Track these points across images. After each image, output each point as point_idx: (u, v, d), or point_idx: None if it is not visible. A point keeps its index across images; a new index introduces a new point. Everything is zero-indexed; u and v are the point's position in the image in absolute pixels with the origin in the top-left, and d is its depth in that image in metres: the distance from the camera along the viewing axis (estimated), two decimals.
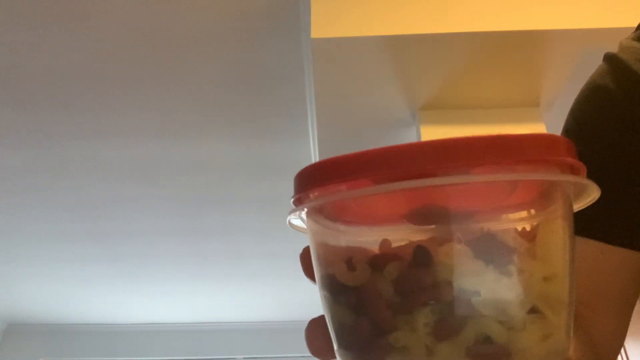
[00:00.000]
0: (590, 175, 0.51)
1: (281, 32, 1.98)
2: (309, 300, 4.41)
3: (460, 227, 0.22)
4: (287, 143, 2.54)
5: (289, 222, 0.28)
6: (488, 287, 0.21)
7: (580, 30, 1.56)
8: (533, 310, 0.21)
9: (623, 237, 0.49)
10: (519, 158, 0.22)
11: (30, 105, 2.29)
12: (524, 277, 0.22)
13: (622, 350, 3.21)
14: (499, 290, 0.21)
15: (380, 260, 0.23)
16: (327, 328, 0.25)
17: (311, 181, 0.25)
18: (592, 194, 0.25)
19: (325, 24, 1.60)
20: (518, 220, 0.23)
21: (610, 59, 0.54)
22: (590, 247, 0.49)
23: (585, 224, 0.50)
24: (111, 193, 2.92)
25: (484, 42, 1.61)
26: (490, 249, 0.22)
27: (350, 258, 0.24)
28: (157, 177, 2.80)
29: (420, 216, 0.24)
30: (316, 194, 0.25)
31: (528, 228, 0.23)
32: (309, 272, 0.27)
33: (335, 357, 0.25)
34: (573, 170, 0.24)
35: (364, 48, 1.62)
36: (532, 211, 0.24)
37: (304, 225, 0.28)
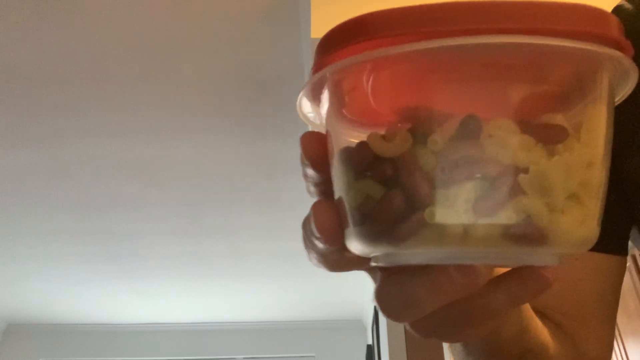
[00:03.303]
0: None
1: (281, 32, 1.98)
2: (308, 300, 4.41)
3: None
4: (287, 143, 2.54)
5: (300, 106, 0.25)
6: (538, 165, 0.20)
7: None
8: (573, 195, 0.21)
9: (597, 242, 0.47)
10: (572, 27, 0.20)
11: (30, 105, 2.29)
12: (571, 159, 0.21)
13: (622, 350, 3.21)
14: (548, 170, 0.20)
15: (423, 129, 0.21)
16: (335, 207, 0.23)
17: (340, 41, 0.22)
18: (630, 83, 0.23)
19: (325, 24, 1.60)
20: (565, 101, 0.22)
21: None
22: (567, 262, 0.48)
23: None
24: (111, 193, 2.93)
25: None
26: (539, 126, 0.21)
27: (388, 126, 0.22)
28: (157, 177, 2.80)
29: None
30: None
31: (575, 112, 0.22)
32: (313, 153, 0.24)
33: (339, 239, 0.23)
34: (622, 50, 0.21)
35: None
36: (579, 92, 0.22)
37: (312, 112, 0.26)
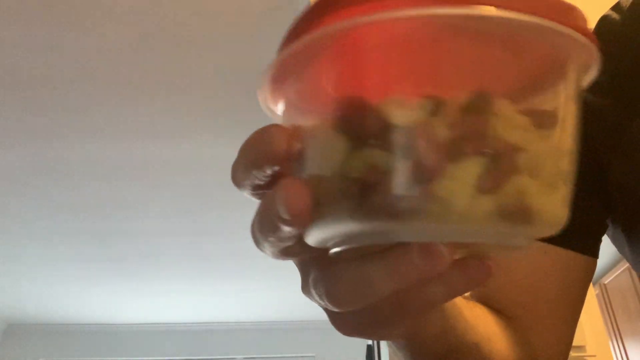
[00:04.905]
0: None
1: (281, 32, 1.97)
2: (308, 300, 4.40)
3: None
4: None
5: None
6: (534, 146, 0.21)
7: None
8: (553, 180, 0.22)
9: (569, 239, 0.48)
10: (548, 14, 0.20)
11: (30, 105, 2.29)
12: (554, 145, 0.22)
13: (622, 350, 3.21)
14: (542, 152, 0.21)
15: (438, 100, 0.21)
16: (306, 183, 0.21)
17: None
18: (590, 76, 0.24)
19: None
20: (545, 89, 0.23)
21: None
22: (533, 247, 0.47)
23: None
24: (111, 193, 2.93)
25: None
26: (532, 110, 0.22)
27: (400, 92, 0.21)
28: (157, 177, 2.80)
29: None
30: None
31: (552, 100, 0.23)
32: (284, 150, 0.22)
33: (309, 222, 0.21)
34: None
35: None
36: (555, 81, 0.23)
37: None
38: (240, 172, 0.23)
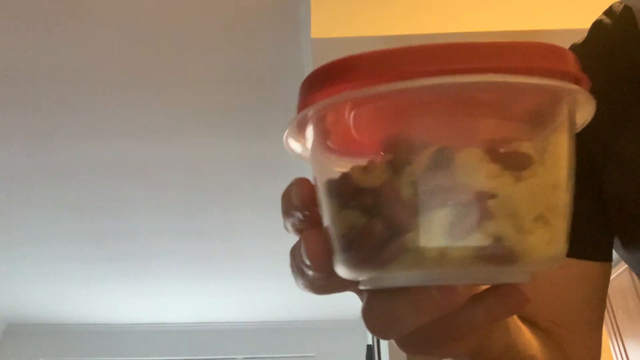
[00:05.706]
0: None
1: (281, 32, 1.98)
2: (309, 301, 4.42)
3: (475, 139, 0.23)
4: None
5: (286, 140, 0.27)
6: (505, 190, 0.22)
7: (579, 30, 1.56)
8: (540, 217, 0.23)
9: (579, 249, 0.49)
10: (533, 65, 0.22)
11: (30, 105, 2.29)
12: (536, 183, 0.23)
13: (622, 350, 3.21)
14: (514, 194, 0.22)
15: (401, 160, 0.23)
16: (324, 236, 0.25)
17: (317, 84, 0.24)
18: (588, 111, 0.25)
19: (325, 24, 1.61)
20: (529, 130, 0.24)
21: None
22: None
23: None
24: (111, 193, 2.93)
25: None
26: (505, 154, 0.23)
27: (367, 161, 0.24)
28: (157, 177, 2.80)
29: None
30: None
31: (540, 139, 0.24)
32: (306, 200, 0.25)
33: (328, 267, 0.25)
34: (579, 83, 0.24)
35: (363, 48, 1.62)
36: (542, 122, 0.24)
37: (300, 147, 0.27)
38: (284, 219, 0.27)
